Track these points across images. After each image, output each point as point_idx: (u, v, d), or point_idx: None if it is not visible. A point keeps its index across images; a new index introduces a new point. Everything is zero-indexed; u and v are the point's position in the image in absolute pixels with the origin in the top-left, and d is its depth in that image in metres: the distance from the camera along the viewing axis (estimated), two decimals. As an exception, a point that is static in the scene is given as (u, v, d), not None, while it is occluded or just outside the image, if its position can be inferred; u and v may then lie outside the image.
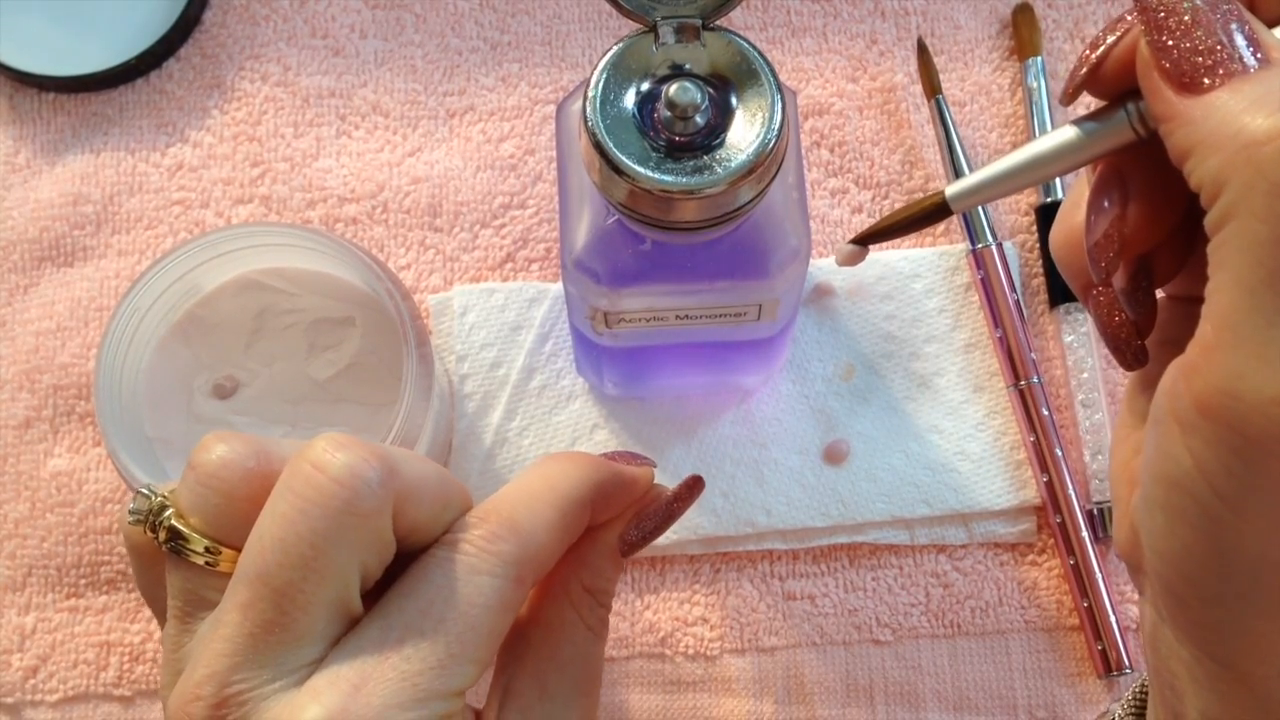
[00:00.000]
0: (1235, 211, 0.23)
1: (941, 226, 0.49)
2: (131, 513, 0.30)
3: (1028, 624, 0.46)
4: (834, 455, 0.47)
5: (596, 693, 0.32)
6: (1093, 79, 0.26)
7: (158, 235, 0.50)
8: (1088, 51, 0.27)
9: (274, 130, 0.51)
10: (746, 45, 0.33)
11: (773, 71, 0.33)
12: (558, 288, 0.48)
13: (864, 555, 0.47)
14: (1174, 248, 0.28)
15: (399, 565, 0.29)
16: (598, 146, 0.32)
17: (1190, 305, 0.29)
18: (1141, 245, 0.27)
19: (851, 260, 0.31)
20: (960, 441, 0.47)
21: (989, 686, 0.46)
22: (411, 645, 0.27)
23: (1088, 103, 0.28)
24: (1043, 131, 0.49)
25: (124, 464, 0.41)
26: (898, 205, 0.50)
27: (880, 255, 0.49)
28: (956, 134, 0.49)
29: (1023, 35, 0.51)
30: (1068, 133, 0.27)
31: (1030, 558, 0.46)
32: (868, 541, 0.46)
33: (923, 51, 0.50)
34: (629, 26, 0.34)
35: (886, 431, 0.47)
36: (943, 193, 0.28)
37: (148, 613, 0.47)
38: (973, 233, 0.48)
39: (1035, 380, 0.47)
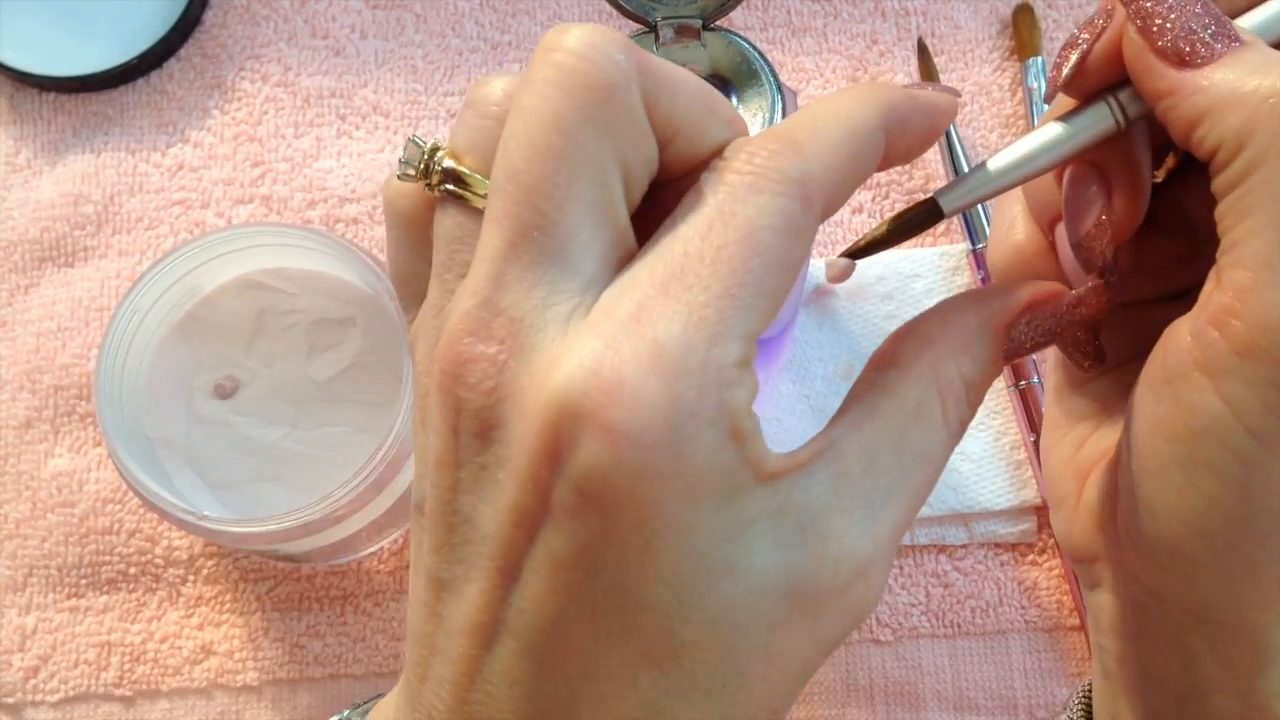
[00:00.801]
0: (1264, 159, 0.24)
1: (942, 226, 0.49)
2: (402, 163, 0.26)
3: (1028, 624, 0.46)
4: (834, 455, 0.47)
5: (920, 503, 0.27)
6: (1080, 74, 0.28)
7: (158, 235, 0.50)
8: (1066, 51, 0.28)
9: (274, 130, 0.51)
10: (747, 45, 0.33)
11: (773, 72, 0.33)
12: (558, 288, 0.48)
13: (864, 555, 0.47)
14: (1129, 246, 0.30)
15: (668, 197, 0.26)
16: (598, 147, 0.32)
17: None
18: (1125, 234, 0.29)
19: (843, 275, 0.30)
20: (960, 441, 0.47)
21: (989, 686, 0.46)
22: (692, 271, 0.23)
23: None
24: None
25: (124, 464, 0.41)
26: (899, 206, 0.50)
27: (881, 255, 0.49)
28: (957, 134, 0.49)
29: (1023, 35, 0.51)
30: (1053, 129, 0.28)
31: (1030, 558, 0.46)
32: (868, 541, 0.46)
33: (923, 51, 0.50)
34: (629, 27, 0.34)
35: (887, 431, 0.47)
36: (933, 198, 0.28)
37: (148, 613, 0.47)
38: (973, 233, 0.48)
39: (1035, 380, 0.47)
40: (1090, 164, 0.28)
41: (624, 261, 0.24)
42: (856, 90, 0.27)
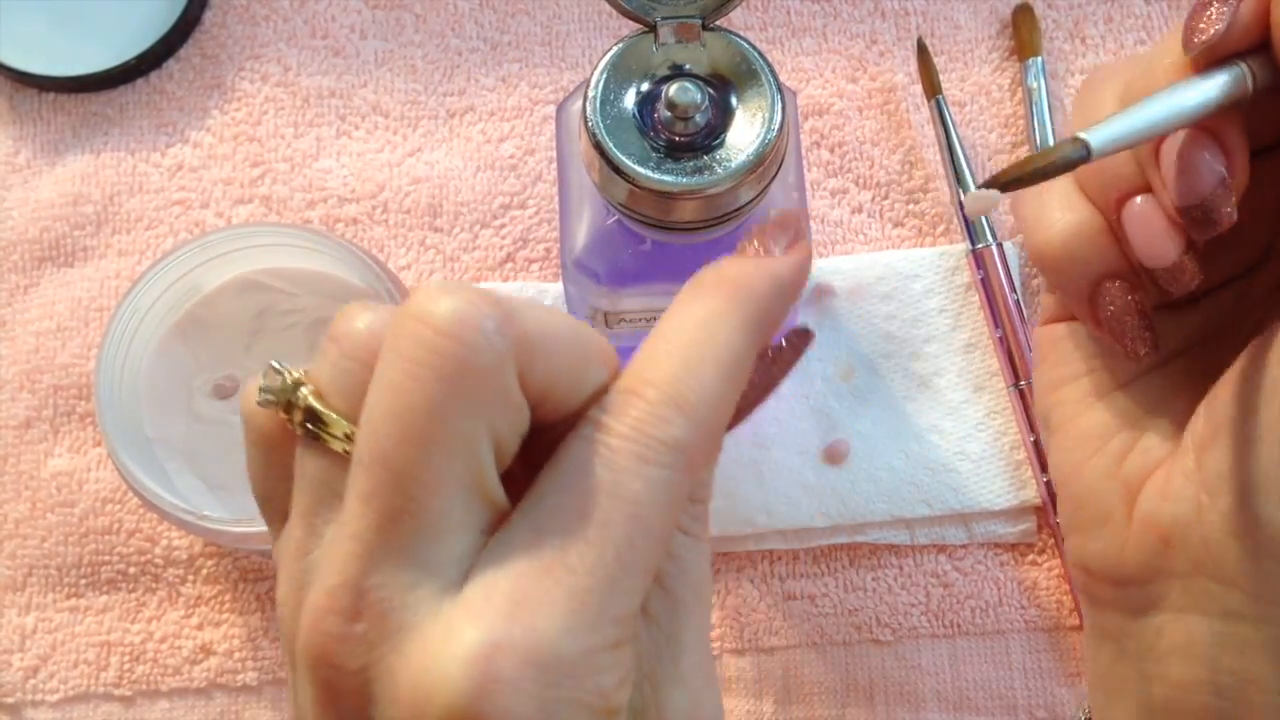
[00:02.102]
0: None
1: (942, 226, 0.50)
2: (263, 390, 0.25)
3: (1028, 624, 0.46)
4: (834, 455, 0.47)
5: (706, 609, 0.27)
6: (1226, 38, 0.27)
7: (158, 235, 0.50)
8: (1204, 12, 0.27)
9: (274, 130, 0.51)
10: (746, 45, 0.33)
11: (773, 72, 0.33)
12: (558, 288, 0.48)
13: (864, 555, 0.47)
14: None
15: (539, 442, 0.25)
16: (598, 146, 0.32)
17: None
18: (1236, 200, 0.28)
19: (987, 207, 0.28)
20: (960, 442, 0.47)
21: (989, 686, 0.46)
22: (576, 553, 0.23)
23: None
24: (1043, 134, 0.49)
25: (124, 464, 0.41)
26: (898, 205, 0.50)
27: (880, 255, 0.49)
28: (956, 134, 0.49)
29: (1023, 35, 0.51)
30: (1199, 86, 0.27)
31: (1030, 558, 0.46)
32: (868, 541, 0.46)
33: (923, 52, 0.50)
34: (629, 27, 0.34)
35: (886, 432, 0.47)
36: (1083, 138, 0.27)
37: (148, 613, 0.47)
38: (973, 233, 0.48)
39: (1035, 380, 0.47)
40: (1205, 128, 0.28)
41: (495, 524, 0.24)
42: (726, 305, 0.26)
